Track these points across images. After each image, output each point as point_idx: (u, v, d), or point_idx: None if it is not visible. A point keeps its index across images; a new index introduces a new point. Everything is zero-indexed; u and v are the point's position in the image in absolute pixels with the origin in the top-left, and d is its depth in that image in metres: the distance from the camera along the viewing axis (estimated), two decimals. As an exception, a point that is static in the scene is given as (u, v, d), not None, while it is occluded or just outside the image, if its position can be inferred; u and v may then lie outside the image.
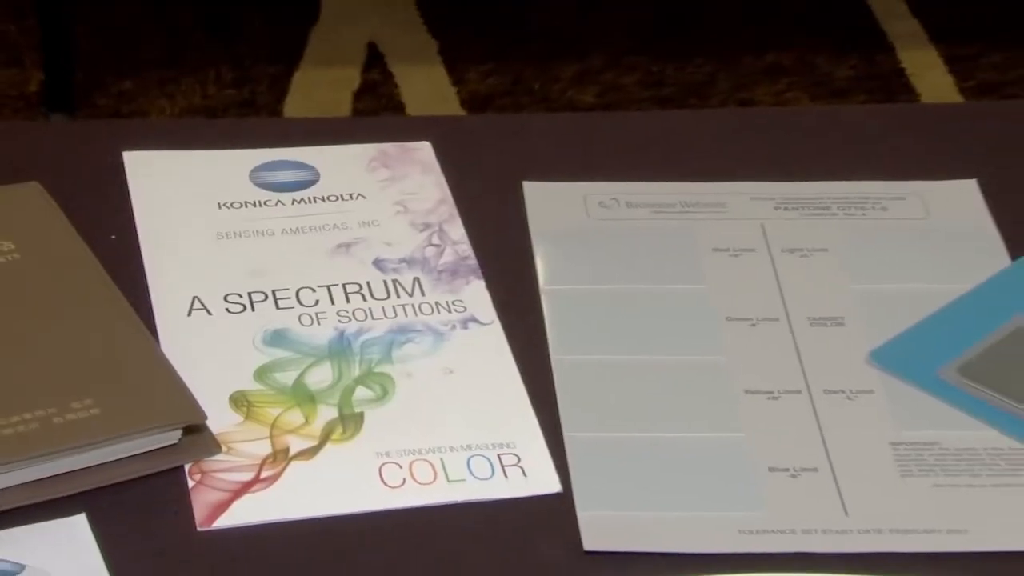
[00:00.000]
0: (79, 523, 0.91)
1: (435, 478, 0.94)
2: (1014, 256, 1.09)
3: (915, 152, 1.16)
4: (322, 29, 2.49)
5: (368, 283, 1.05)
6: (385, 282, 1.05)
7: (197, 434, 0.95)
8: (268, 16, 2.50)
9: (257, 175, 1.12)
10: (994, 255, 1.09)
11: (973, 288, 1.06)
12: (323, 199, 1.11)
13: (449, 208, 1.11)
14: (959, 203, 1.13)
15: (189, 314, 1.03)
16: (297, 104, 2.36)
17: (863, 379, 1.01)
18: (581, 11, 2.53)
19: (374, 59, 2.44)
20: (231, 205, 1.10)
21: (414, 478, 0.94)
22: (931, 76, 2.45)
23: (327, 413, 0.97)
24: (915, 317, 1.04)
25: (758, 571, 0.90)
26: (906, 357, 1.02)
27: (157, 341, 1.00)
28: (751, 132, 1.19)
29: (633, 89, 2.41)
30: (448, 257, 1.07)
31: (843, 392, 1.00)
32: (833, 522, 0.93)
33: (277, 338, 1.02)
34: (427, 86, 2.40)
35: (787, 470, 0.96)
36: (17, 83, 2.38)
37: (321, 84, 2.39)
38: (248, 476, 0.94)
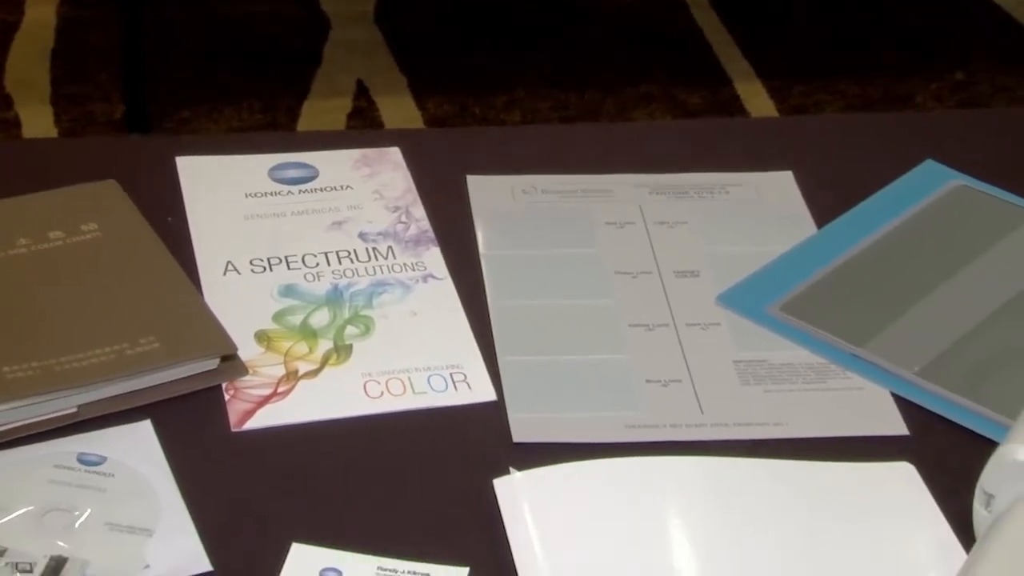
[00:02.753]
0: (146, 427, 0.89)
1: (404, 391, 0.92)
2: (819, 226, 1.07)
3: (748, 153, 1.15)
4: (324, 71, 2.48)
5: (355, 250, 1.03)
6: (367, 249, 1.03)
7: (231, 361, 0.93)
8: (285, 63, 2.49)
9: (274, 173, 1.10)
10: (804, 225, 1.07)
11: (789, 249, 1.05)
12: (321, 190, 1.08)
13: (413, 195, 1.08)
14: (780, 189, 1.11)
15: (224, 274, 1.00)
16: (306, 124, 2.35)
17: (713, 315, 0.99)
18: (509, 58, 2.53)
19: (361, 92, 2.43)
20: (255, 195, 1.08)
21: (389, 391, 0.92)
22: (757, 101, 2.46)
23: (325, 345, 0.95)
24: (749, 270, 1.03)
25: (640, 455, 0.88)
26: (743, 299, 1.01)
27: (201, 294, 0.98)
28: (631, 140, 1.18)
29: (546, 112, 2.41)
30: (413, 231, 1.05)
31: (699, 325, 0.99)
32: (693, 418, 0.91)
33: (288, 291, 0.99)
34: (399, 110, 2.39)
35: (659, 381, 0.94)
36: (107, 112, 2.36)
37: (323, 110, 2.39)
38: (268, 391, 0.92)
